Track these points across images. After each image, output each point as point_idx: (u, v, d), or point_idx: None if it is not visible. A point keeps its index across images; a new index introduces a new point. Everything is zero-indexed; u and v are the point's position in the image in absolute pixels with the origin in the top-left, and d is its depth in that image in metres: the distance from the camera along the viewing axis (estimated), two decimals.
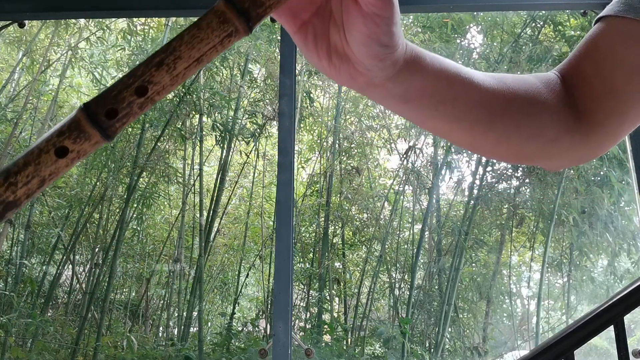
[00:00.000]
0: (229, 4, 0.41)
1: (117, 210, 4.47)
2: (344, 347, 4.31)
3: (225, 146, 4.49)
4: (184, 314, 4.30)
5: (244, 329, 4.57)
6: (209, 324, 4.64)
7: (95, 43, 4.65)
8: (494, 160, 4.17)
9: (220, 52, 0.42)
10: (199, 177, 4.51)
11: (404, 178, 4.67)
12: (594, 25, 0.66)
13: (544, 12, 4.22)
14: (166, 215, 4.89)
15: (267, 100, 4.71)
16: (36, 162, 0.38)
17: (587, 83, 0.63)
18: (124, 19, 4.33)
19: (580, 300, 4.51)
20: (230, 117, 4.52)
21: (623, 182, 4.16)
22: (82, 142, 0.39)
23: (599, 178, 4.35)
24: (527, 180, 4.61)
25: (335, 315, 4.56)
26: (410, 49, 0.51)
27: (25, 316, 4.06)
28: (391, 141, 4.90)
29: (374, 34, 0.46)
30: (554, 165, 0.66)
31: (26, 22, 3.43)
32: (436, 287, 4.49)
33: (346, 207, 4.74)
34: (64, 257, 4.36)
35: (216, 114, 4.52)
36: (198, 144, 4.54)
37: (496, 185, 4.60)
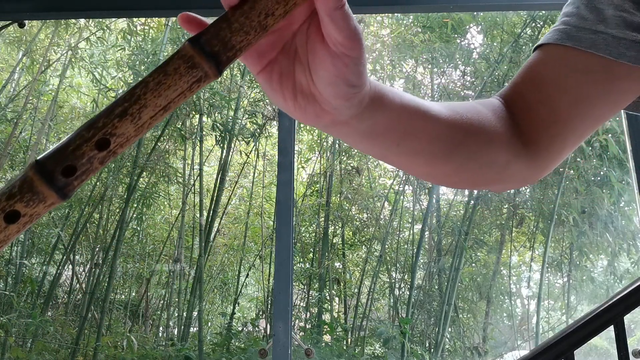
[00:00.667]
0: (197, 48, 0.39)
1: (117, 210, 4.47)
2: (344, 347, 4.31)
3: (225, 146, 4.49)
4: (184, 314, 4.30)
5: (244, 329, 4.57)
6: (209, 324, 4.64)
7: (95, 43, 4.65)
8: None
9: (188, 97, 0.40)
10: (199, 177, 4.51)
11: (404, 178, 4.67)
12: (533, 52, 0.68)
13: (544, 12, 4.22)
14: (166, 215, 4.89)
15: (267, 100, 4.71)
16: None
17: (531, 110, 0.64)
18: (124, 19, 4.33)
19: (580, 300, 4.51)
20: (230, 117, 4.52)
21: (623, 182, 4.16)
22: (35, 204, 0.35)
23: (599, 178, 4.35)
24: None
25: (335, 315, 4.56)
26: (373, 86, 0.51)
27: (25, 316, 4.06)
28: None
29: (342, 74, 0.45)
30: (502, 188, 0.68)
31: (26, 22, 3.44)
32: (436, 287, 4.49)
33: (346, 207, 4.74)
34: (64, 257, 4.36)
35: (216, 114, 4.52)
36: (198, 144, 4.54)
37: None
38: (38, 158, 0.36)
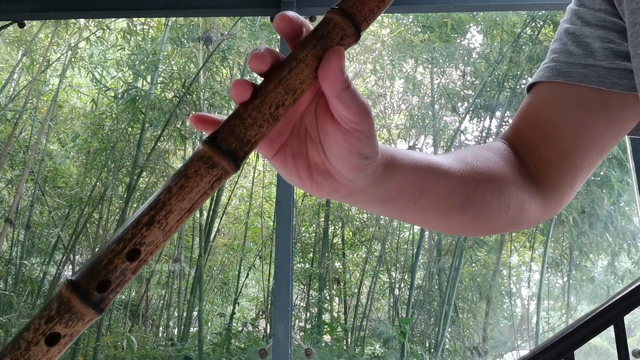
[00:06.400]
0: (214, 147, 0.40)
1: (117, 210, 4.47)
2: (344, 347, 4.31)
3: None
4: (184, 314, 4.30)
5: (244, 329, 4.57)
6: (209, 324, 4.64)
7: (95, 43, 4.65)
8: None
9: (210, 195, 0.40)
10: None
11: None
12: (527, 92, 0.69)
13: (544, 12, 4.21)
14: None
15: None
16: (25, 357, 0.34)
17: (536, 150, 0.65)
18: (124, 19, 4.33)
19: (580, 300, 4.51)
20: None
21: (623, 182, 4.16)
22: (74, 323, 0.35)
23: (599, 178, 4.35)
24: None
25: (335, 315, 4.56)
26: (384, 152, 0.51)
27: (25, 316, 4.06)
28: (391, 141, 4.90)
29: (356, 148, 0.46)
30: (520, 229, 0.69)
31: (26, 22, 3.44)
32: (436, 287, 4.49)
33: (346, 207, 4.74)
34: (64, 257, 4.36)
35: (216, 114, 4.52)
36: (198, 143, 4.53)
37: None
38: (71, 278, 0.36)
